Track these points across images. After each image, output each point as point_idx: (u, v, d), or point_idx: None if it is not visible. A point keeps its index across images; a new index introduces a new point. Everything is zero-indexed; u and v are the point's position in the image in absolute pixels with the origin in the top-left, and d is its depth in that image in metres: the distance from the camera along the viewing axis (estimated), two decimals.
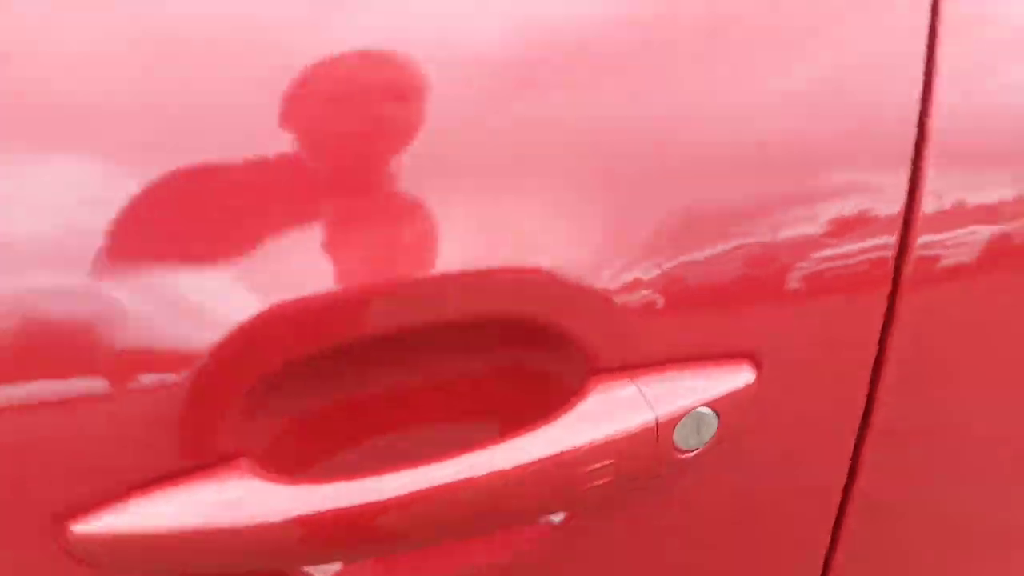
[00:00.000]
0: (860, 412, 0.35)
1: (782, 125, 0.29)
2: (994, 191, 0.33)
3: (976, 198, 0.33)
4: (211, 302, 0.24)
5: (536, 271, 0.27)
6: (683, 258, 0.29)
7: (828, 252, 0.31)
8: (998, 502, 0.43)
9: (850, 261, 0.32)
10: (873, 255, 0.32)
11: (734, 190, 0.29)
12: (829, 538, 0.38)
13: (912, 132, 0.30)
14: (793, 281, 0.31)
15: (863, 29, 0.29)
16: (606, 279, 0.28)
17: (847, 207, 0.31)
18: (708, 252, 0.29)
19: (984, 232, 0.33)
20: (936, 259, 0.33)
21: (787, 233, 0.30)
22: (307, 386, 0.26)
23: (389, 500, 0.26)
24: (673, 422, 0.29)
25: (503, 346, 0.28)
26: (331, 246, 0.25)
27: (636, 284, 0.28)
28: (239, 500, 0.26)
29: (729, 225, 0.29)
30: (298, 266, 0.25)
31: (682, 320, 0.29)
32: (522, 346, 0.28)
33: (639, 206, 0.28)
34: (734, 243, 0.29)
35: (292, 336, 0.25)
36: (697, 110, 0.28)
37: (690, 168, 0.28)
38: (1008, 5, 0.32)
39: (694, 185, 0.28)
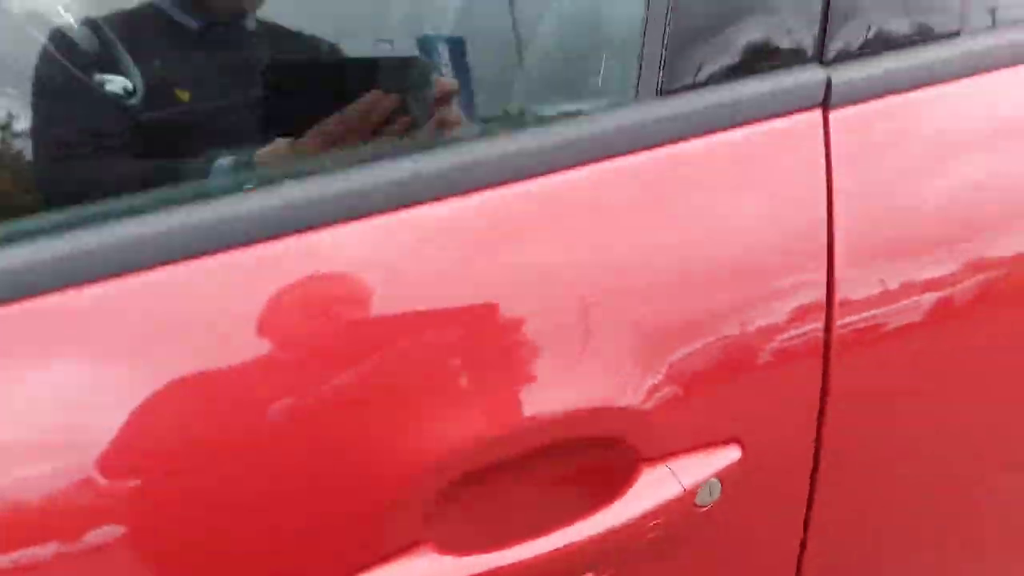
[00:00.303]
0: (811, 461, 0.51)
1: (728, 250, 0.45)
2: (890, 279, 0.50)
3: (876, 287, 0.49)
4: (402, 441, 0.39)
5: (597, 407, 0.42)
6: (675, 358, 0.44)
7: (777, 340, 0.47)
8: (936, 525, 0.59)
9: (791, 345, 0.48)
10: (807, 337, 0.48)
11: (701, 303, 0.45)
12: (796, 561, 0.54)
13: (823, 242, 0.46)
14: (755, 371, 0.47)
15: (774, 172, 0.46)
16: (631, 396, 0.43)
17: (785, 305, 0.47)
18: (692, 349, 0.45)
19: (885, 310, 0.50)
20: (852, 333, 0.49)
21: (745, 330, 0.46)
22: (468, 491, 0.41)
23: (528, 559, 0.41)
24: (695, 490, 0.44)
25: (583, 451, 0.43)
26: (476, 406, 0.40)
27: (653, 389, 0.44)
28: (434, 570, 0.40)
29: (704, 332, 0.45)
30: (463, 417, 0.40)
31: (689, 418, 0.45)
32: (594, 450, 0.44)
33: (638, 334, 0.43)
34: (707, 341, 0.45)
35: (461, 462, 0.40)
36: (665, 247, 0.44)
37: (665, 292, 0.44)
38: (883, 148, 0.48)
39: (671, 305, 0.44)
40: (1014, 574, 0.66)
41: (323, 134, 0.45)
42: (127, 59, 0.58)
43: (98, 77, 0.71)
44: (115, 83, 0.68)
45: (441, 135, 0.48)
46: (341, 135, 0.46)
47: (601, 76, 0.45)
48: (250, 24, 0.58)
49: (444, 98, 0.48)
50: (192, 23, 0.58)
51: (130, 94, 0.66)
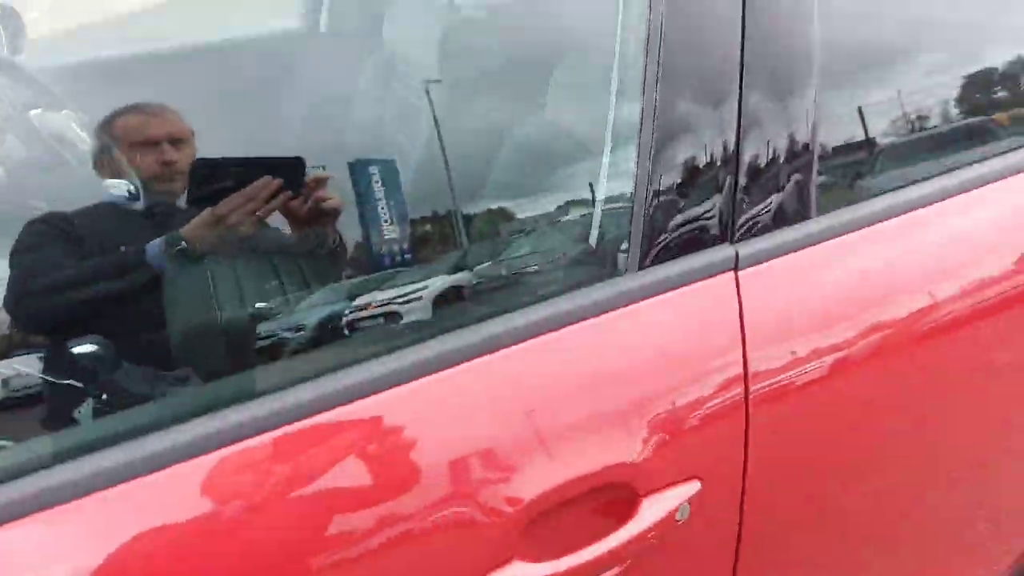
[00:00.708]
0: (740, 487, 0.79)
1: (680, 351, 0.73)
2: (783, 359, 0.78)
3: (774, 363, 0.78)
4: (507, 495, 0.64)
5: (615, 463, 0.68)
6: (654, 421, 0.71)
7: (713, 404, 0.75)
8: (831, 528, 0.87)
9: (723, 407, 0.75)
10: (732, 401, 0.76)
11: (666, 385, 0.72)
12: (735, 551, 0.81)
13: (739, 342, 0.74)
14: (703, 427, 0.74)
15: (707, 308, 0.74)
16: (627, 453, 0.70)
17: (717, 380, 0.75)
18: (663, 416, 0.72)
19: (780, 377, 0.78)
20: (764, 393, 0.77)
21: (694, 400, 0.74)
22: (543, 521, 0.66)
23: (579, 564, 0.66)
24: (675, 511, 0.71)
25: (608, 491, 0.69)
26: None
27: (634, 446, 0.71)
28: (524, 573, 0.65)
29: (668, 404, 0.72)
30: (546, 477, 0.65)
31: (666, 464, 0.72)
32: (614, 490, 0.70)
33: (632, 413, 0.70)
34: (671, 409, 0.72)
35: (540, 504, 0.65)
36: (644, 356, 0.71)
37: (643, 382, 0.71)
38: (772, 286, 0.78)
39: (650, 388, 0.71)
40: None
41: (233, 202, 0.69)
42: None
43: (106, 183, 0.90)
44: (119, 187, 0.85)
45: (317, 208, 0.72)
46: (245, 202, 0.69)
47: (603, 258, 0.73)
48: (181, 203, 0.79)
49: (319, 184, 0.72)
50: (138, 206, 0.80)
51: (134, 196, 0.84)
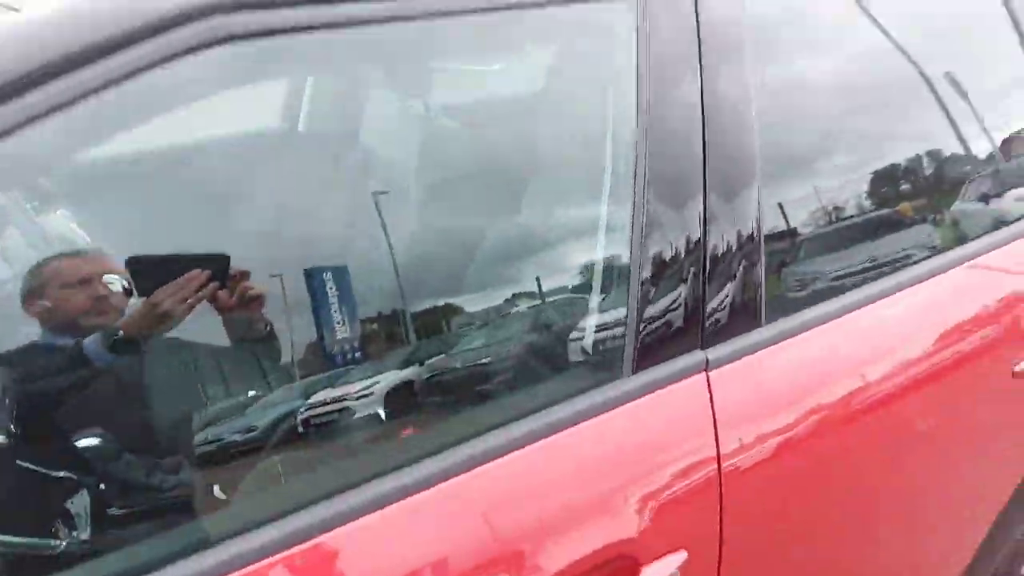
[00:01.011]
0: (718, 551, 0.92)
1: (662, 440, 0.88)
2: (746, 439, 0.93)
3: (740, 443, 0.93)
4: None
5: (612, 543, 0.82)
6: (647, 499, 0.85)
7: (690, 480, 0.89)
8: None
9: (700, 483, 0.90)
10: (708, 477, 0.90)
11: (653, 465, 0.86)
12: None
13: (712, 426, 0.89)
14: (686, 503, 0.88)
15: (684, 404, 0.89)
16: (630, 530, 0.83)
17: (693, 459, 0.89)
18: (653, 494, 0.86)
19: (748, 454, 0.93)
20: (733, 469, 0.92)
21: (677, 479, 0.88)
22: None
23: None
24: None
25: (614, 563, 0.82)
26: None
27: (635, 523, 0.84)
28: None
29: (658, 485, 0.86)
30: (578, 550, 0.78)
31: (657, 538, 0.85)
32: (618, 561, 0.83)
33: (624, 500, 0.84)
34: (660, 486, 0.86)
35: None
36: (634, 448, 0.86)
37: (633, 471, 0.85)
38: (738, 382, 0.93)
39: (640, 476, 0.85)
40: None
41: (165, 292, 0.75)
42: None
43: (105, 278, 0.92)
44: (115, 282, 0.88)
45: (243, 296, 0.79)
46: (176, 292, 0.76)
47: (602, 366, 0.88)
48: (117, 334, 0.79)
49: (241, 277, 0.79)
50: (69, 341, 0.80)
51: (128, 291, 0.87)
